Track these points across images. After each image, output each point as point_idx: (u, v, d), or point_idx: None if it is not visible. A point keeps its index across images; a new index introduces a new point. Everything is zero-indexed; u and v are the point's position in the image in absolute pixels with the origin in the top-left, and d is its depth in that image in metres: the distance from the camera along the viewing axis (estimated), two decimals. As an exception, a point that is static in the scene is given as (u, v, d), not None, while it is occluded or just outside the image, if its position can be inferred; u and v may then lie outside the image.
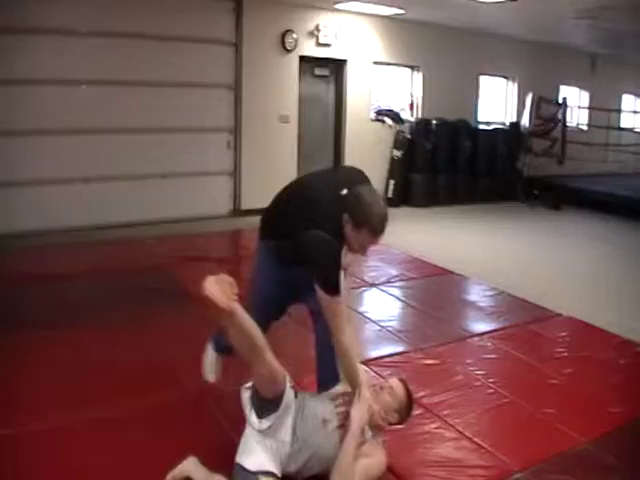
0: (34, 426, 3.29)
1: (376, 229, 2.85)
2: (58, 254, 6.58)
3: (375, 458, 2.95)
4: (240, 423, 2.98)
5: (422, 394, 3.87)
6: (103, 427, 3.33)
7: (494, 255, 7.73)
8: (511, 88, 13.03)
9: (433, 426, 3.55)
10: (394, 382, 3.13)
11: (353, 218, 2.84)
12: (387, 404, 3.04)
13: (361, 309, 5.46)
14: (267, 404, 2.84)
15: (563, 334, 5.15)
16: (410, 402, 3.11)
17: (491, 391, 4.00)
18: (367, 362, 4.29)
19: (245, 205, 9.31)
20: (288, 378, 2.92)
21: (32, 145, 7.50)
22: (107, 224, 7.82)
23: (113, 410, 3.48)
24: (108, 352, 4.25)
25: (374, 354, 4.48)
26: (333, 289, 2.93)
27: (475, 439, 3.42)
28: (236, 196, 9.33)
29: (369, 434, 3.01)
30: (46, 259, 6.42)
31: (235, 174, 9.30)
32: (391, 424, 3.08)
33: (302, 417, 2.91)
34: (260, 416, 2.83)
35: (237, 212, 9.29)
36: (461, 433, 3.48)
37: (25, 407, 3.53)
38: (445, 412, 3.70)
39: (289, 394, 2.89)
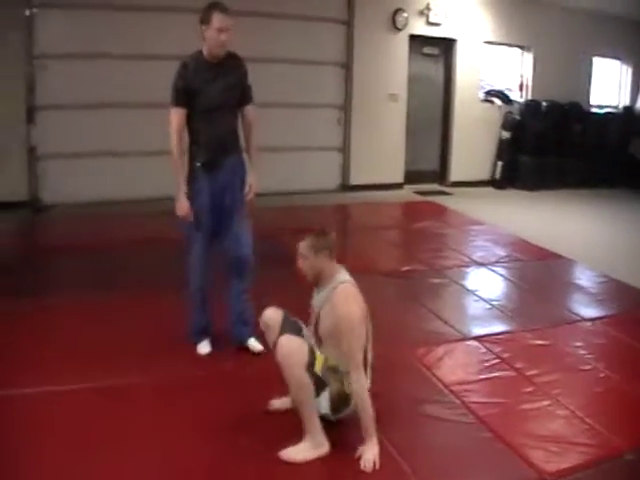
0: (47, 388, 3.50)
1: (213, 12, 3.63)
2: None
3: (342, 310, 3.01)
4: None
5: (533, 372, 3.98)
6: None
7: (604, 241, 7.63)
8: (625, 71, 12.64)
9: (545, 403, 3.64)
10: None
11: (201, 21, 3.68)
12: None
13: (471, 287, 5.58)
14: None
15: (676, 323, 5.14)
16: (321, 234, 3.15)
17: (602, 375, 4.05)
18: (478, 338, 4.44)
19: (354, 180, 9.52)
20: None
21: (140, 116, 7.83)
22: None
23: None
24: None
25: (485, 331, 4.60)
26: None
27: (586, 419, 3.49)
28: (345, 171, 9.53)
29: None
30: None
31: (344, 150, 9.50)
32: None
33: None
34: None
35: (346, 187, 9.49)
36: (572, 412, 3.56)
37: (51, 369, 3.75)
38: (556, 391, 3.78)
39: None
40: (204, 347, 4.04)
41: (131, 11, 7.76)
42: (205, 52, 3.75)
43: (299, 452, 2.99)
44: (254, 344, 4.00)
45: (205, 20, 3.66)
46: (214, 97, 3.75)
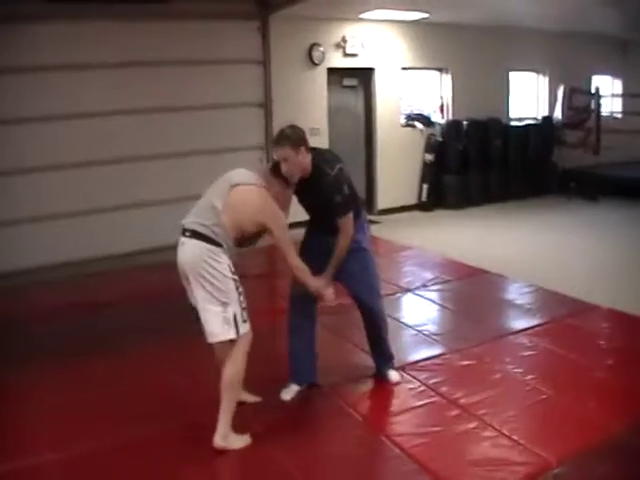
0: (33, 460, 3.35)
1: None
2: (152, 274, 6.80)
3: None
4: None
5: (458, 395, 3.91)
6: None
7: (531, 252, 7.66)
8: (542, 82, 12.88)
9: (471, 426, 3.57)
10: None
11: None
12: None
13: (397, 315, 5.47)
14: None
15: (603, 326, 5.15)
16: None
17: (529, 388, 4.01)
18: (404, 367, 4.35)
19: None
20: None
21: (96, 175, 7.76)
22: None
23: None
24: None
25: (411, 358, 4.52)
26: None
27: (513, 436, 3.43)
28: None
29: None
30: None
31: (269, 190, 9.37)
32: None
33: None
34: None
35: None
36: (499, 431, 3.49)
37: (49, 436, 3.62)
38: (483, 411, 3.71)
39: None
40: (285, 393, 4.03)
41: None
42: None
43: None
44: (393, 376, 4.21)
45: None
46: (306, 208, 4.03)
